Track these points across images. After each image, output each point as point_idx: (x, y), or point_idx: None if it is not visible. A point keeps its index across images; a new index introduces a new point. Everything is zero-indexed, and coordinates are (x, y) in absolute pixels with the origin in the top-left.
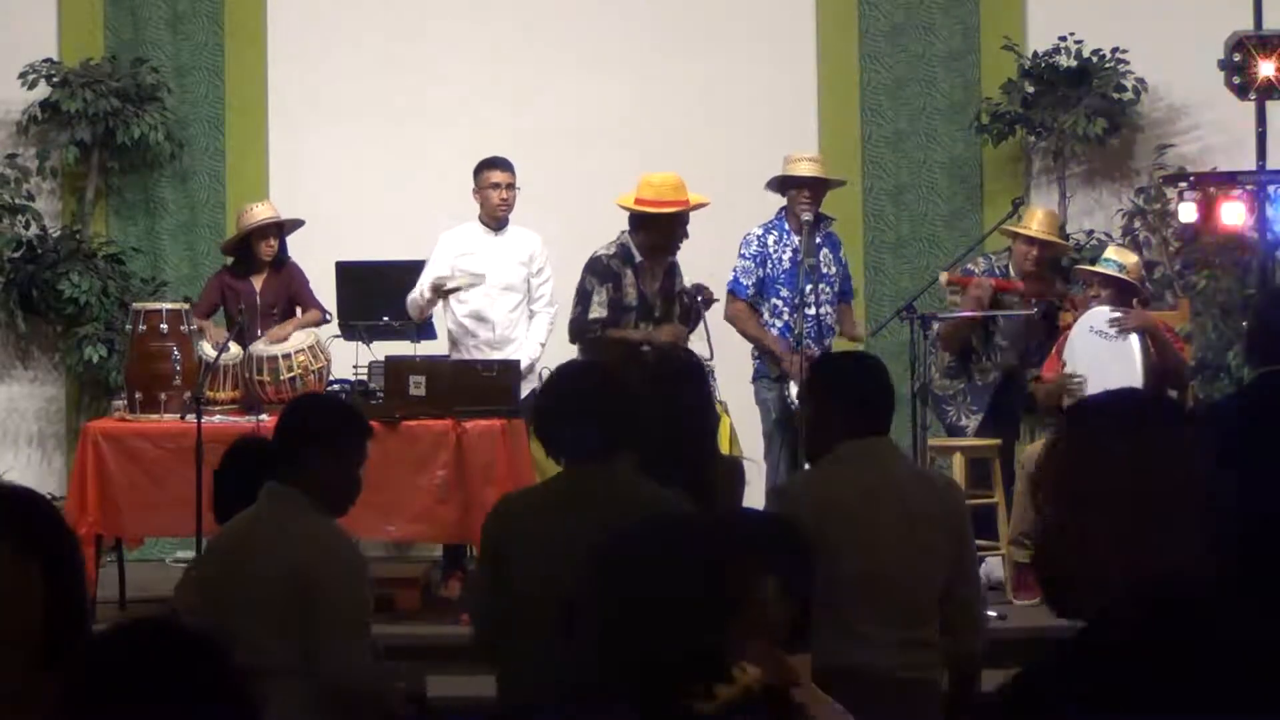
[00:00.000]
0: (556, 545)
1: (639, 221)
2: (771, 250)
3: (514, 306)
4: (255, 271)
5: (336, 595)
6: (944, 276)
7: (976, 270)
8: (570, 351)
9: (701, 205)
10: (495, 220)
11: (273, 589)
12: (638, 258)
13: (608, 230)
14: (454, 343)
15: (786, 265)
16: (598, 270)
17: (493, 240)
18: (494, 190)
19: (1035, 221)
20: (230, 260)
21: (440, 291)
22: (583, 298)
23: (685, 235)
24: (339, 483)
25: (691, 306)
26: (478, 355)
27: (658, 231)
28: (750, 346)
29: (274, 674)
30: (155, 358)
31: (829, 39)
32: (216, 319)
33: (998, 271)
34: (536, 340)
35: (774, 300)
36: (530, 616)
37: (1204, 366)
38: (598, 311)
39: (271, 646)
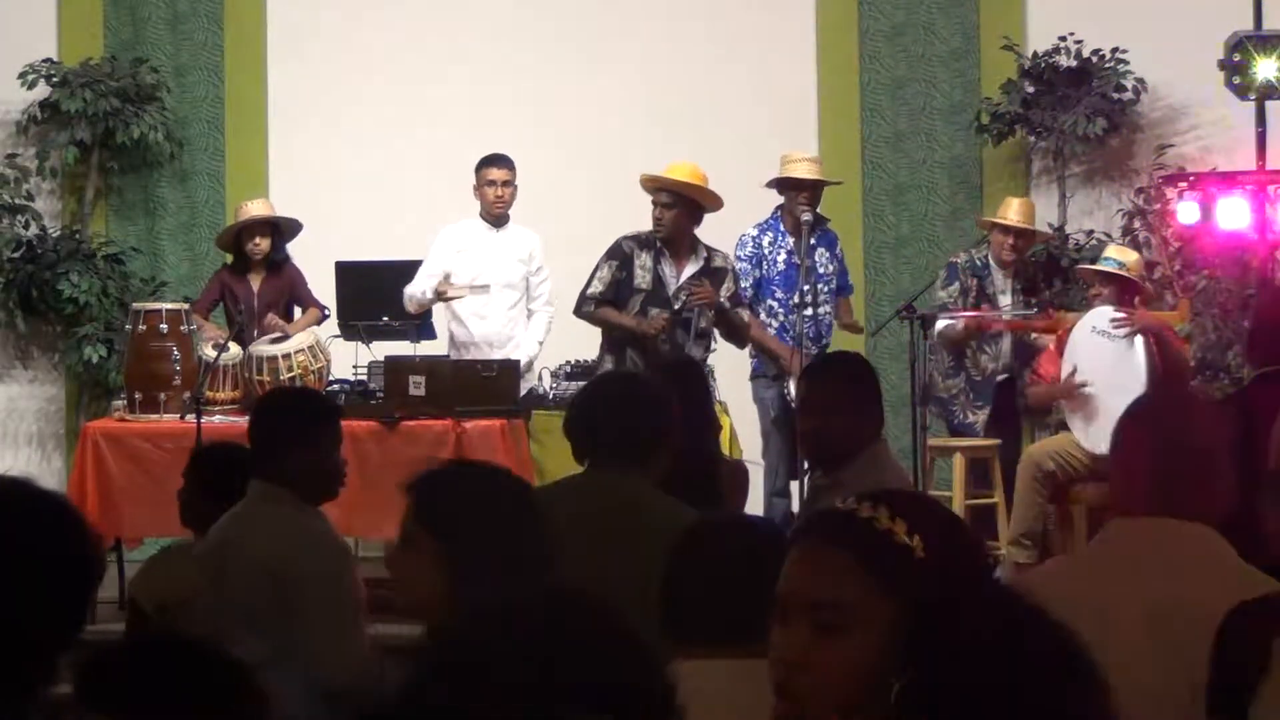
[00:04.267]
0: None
1: (655, 199)
2: (766, 251)
3: (513, 304)
4: (253, 271)
5: (318, 588)
6: (956, 284)
7: (958, 263)
8: (564, 344)
9: (705, 192)
10: (494, 217)
11: (252, 583)
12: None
13: (606, 228)
14: (453, 340)
15: (781, 266)
16: (612, 248)
17: (493, 237)
18: (490, 187)
19: (1012, 210)
20: (230, 258)
21: (444, 298)
22: (591, 274)
23: (684, 223)
24: (321, 471)
25: (693, 306)
26: (477, 353)
27: (659, 205)
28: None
29: (265, 670)
30: (155, 358)
31: (829, 39)
32: (216, 317)
33: (978, 263)
34: (535, 339)
35: (769, 301)
36: None
37: (1204, 366)
38: (595, 288)
39: (250, 641)
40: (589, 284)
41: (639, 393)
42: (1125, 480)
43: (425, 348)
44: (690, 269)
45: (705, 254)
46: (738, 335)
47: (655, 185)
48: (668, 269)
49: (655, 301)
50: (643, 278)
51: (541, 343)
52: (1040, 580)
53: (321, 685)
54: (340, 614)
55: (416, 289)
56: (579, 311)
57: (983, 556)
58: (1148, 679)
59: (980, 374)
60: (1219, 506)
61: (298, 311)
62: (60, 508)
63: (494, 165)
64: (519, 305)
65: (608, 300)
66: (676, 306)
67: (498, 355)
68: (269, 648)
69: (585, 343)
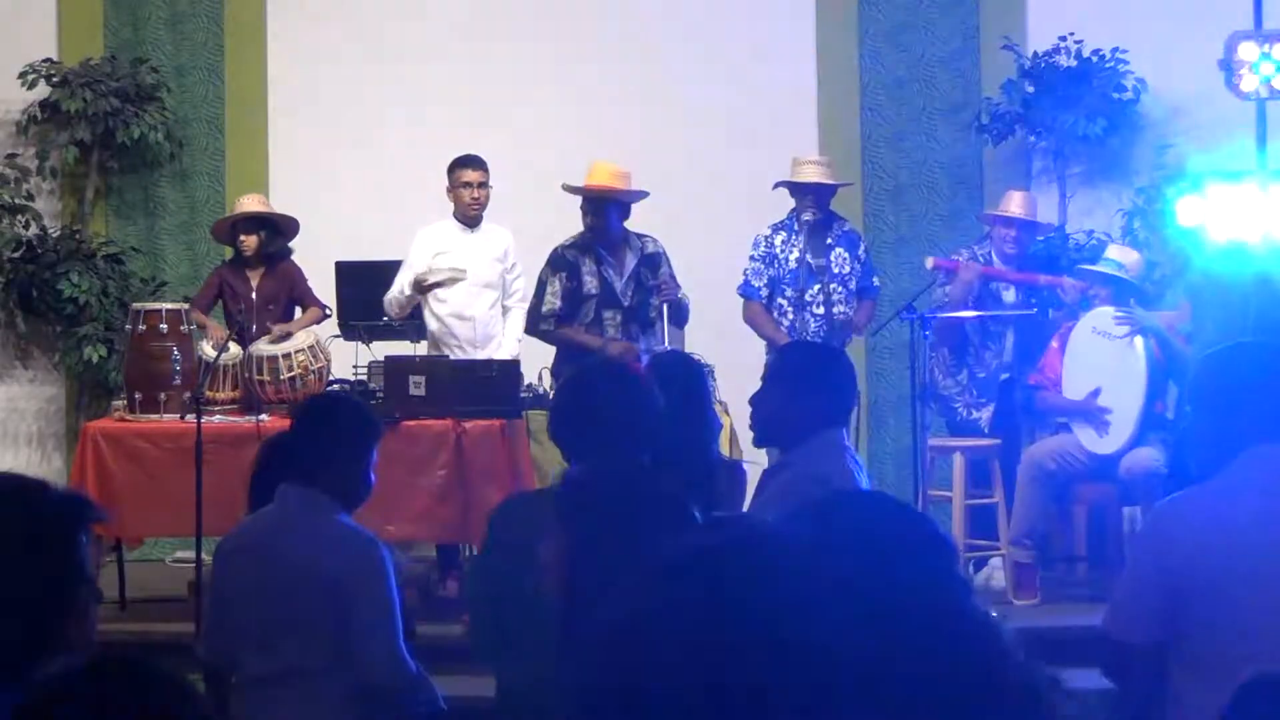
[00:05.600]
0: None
1: (582, 205)
2: (779, 250)
3: (493, 303)
4: (252, 267)
5: (369, 594)
6: (930, 261)
7: (960, 260)
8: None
9: (630, 193)
10: (468, 219)
11: (304, 591)
12: (599, 246)
13: None
14: (435, 341)
15: (793, 265)
16: (553, 261)
17: (468, 238)
18: (465, 189)
19: (1014, 203)
20: (229, 254)
21: (423, 287)
22: (539, 289)
23: (616, 223)
24: (358, 482)
25: (662, 303)
26: (459, 354)
27: (589, 213)
28: (758, 345)
29: (306, 676)
30: (155, 358)
31: (829, 39)
32: (216, 314)
33: (980, 259)
34: (514, 337)
35: (779, 300)
36: (531, 617)
37: None
38: (550, 303)
39: (303, 649)
40: (541, 301)
41: (620, 389)
42: (1259, 412)
43: (425, 348)
44: (631, 261)
45: (640, 244)
46: (683, 315)
47: (610, 190)
48: (611, 269)
49: (607, 304)
50: (591, 283)
51: (520, 340)
52: (1194, 503)
53: (372, 687)
54: (390, 619)
55: (395, 290)
56: (536, 330)
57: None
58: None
59: (983, 370)
60: None
61: (298, 311)
62: (28, 495)
63: (468, 167)
64: (498, 304)
65: (566, 316)
66: (626, 304)
67: (479, 356)
68: (316, 653)
69: None
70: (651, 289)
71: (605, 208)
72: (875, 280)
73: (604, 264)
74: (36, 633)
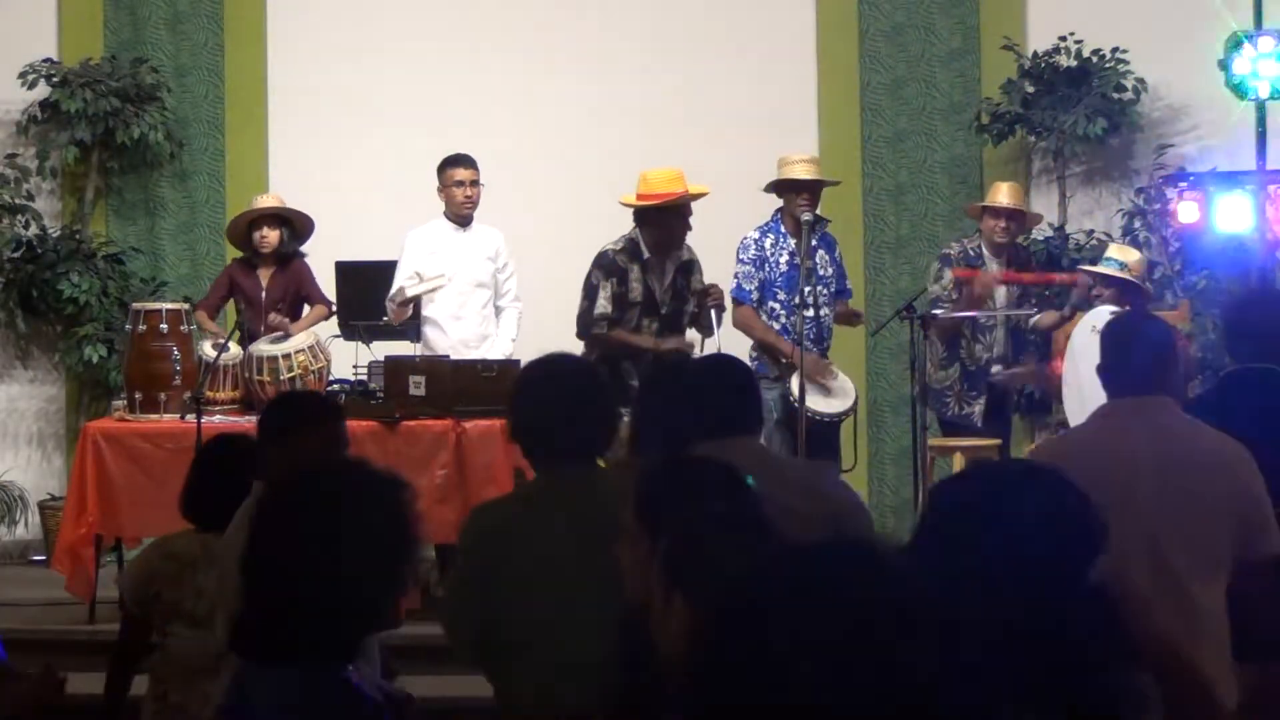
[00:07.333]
0: (542, 552)
1: (642, 217)
2: (769, 253)
3: (485, 303)
4: (262, 265)
5: None
6: (949, 274)
7: (951, 254)
8: (554, 343)
9: (700, 195)
10: (460, 218)
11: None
12: (645, 254)
13: (611, 230)
14: (428, 345)
15: (784, 268)
16: (604, 265)
17: (460, 237)
18: (458, 188)
19: (1002, 194)
20: (230, 254)
21: (407, 301)
22: (589, 293)
23: (688, 226)
24: None
25: (702, 308)
26: (453, 354)
27: (659, 225)
28: (747, 347)
29: None
30: (155, 358)
31: (829, 39)
32: (222, 319)
33: (970, 251)
34: (508, 337)
35: (771, 303)
36: (521, 624)
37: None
38: (603, 307)
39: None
40: (592, 304)
41: (576, 384)
42: (1121, 372)
43: (421, 348)
44: (670, 268)
45: (677, 251)
46: (720, 317)
47: (684, 198)
48: (654, 278)
49: (648, 312)
50: (636, 290)
51: (514, 340)
52: (1072, 441)
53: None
54: None
55: (393, 293)
56: (588, 334)
57: None
58: (1155, 507)
59: (974, 364)
60: (1180, 388)
61: (306, 308)
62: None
63: (460, 165)
64: (490, 304)
65: (615, 320)
66: (664, 312)
67: (473, 355)
68: None
69: (573, 341)
70: (686, 295)
71: (685, 216)
72: (848, 283)
73: (649, 272)
74: (375, 609)
